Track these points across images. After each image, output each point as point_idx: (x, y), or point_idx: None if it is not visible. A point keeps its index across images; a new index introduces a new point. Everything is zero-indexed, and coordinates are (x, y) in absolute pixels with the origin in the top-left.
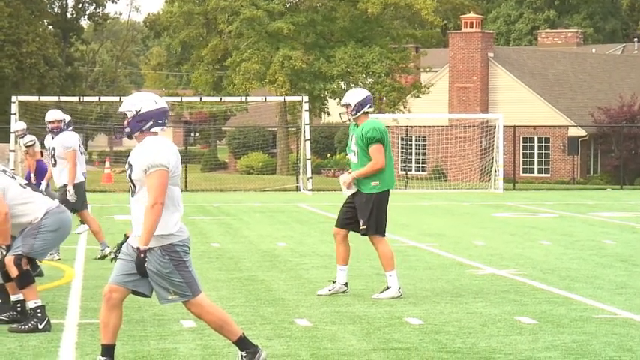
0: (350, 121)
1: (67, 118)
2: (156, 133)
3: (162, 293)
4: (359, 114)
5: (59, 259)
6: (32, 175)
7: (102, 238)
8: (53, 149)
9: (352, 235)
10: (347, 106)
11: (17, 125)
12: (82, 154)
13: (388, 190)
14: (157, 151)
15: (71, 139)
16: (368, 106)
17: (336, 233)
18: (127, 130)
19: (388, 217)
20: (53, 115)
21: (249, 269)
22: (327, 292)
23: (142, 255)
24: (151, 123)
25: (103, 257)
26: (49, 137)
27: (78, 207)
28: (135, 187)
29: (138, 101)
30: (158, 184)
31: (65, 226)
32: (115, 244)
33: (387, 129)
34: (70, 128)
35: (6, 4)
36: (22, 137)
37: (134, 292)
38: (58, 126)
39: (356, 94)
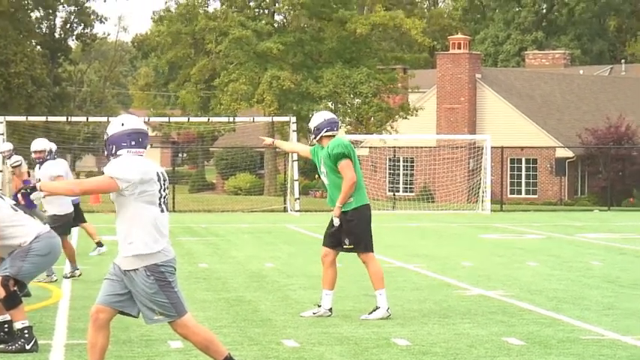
0: (311, 144)
1: (53, 147)
2: (138, 154)
3: (148, 314)
4: (317, 137)
5: (56, 280)
6: (19, 196)
7: (74, 261)
8: (39, 180)
9: (342, 255)
10: (308, 130)
11: (4, 146)
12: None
13: (367, 206)
14: (116, 164)
15: (56, 166)
16: (325, 130)
17: (325, 255)
18: (105, 153)
19: (376, 238)
20: (35, 145)
21: (237, 290)
22: (310, 315)
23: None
24: (114, 147)
25: (72, 276)
26: (37, 168)
27: (61, 232)
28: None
29: (109, 126)
30: (97, 181)
31: (55, 251)
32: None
33: (375, 149)
34: (54, 157)
35: None
36: (9, 157)
37: (122, 313)
38: (40, 156)
39: (314, 119)
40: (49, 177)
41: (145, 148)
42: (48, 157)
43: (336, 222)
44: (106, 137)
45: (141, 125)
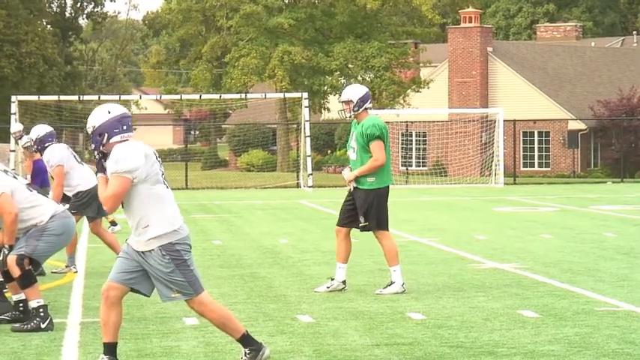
0: (350, 117)
1: (41, 133)
2: (124, 141)
3: (165, 292)
4: (360, 110)
5: (76, 272)
6: (28, 176)
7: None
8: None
9: (355, 230)
10: (348, 102)
11: (14, 127)
12: (80, 163)
13: (387, 186)
14: (120, 157)
15: (53, 153)
16: (369, 102)
17: (338, 231)
18: (92, 146)
19: (389, 212)
20: (25, 139)
21: (251, 266)
22: (324, 290)
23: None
24: (106, 135)
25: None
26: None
27: (90, 213)
28: None
29: (93, 118)
30: (116, 185)
31: (69, 231)
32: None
33: (387, 124)
34: (50, 141)
35: (3, 4)
36: (20, 138)
37: (133, 290)
38: (31, 145)
39: (358, 91)
40: (49, 166)
41: (132, 131)
42: (37, 147)
43: (346, 174)
44: (92, 129)
45: (126, 110)
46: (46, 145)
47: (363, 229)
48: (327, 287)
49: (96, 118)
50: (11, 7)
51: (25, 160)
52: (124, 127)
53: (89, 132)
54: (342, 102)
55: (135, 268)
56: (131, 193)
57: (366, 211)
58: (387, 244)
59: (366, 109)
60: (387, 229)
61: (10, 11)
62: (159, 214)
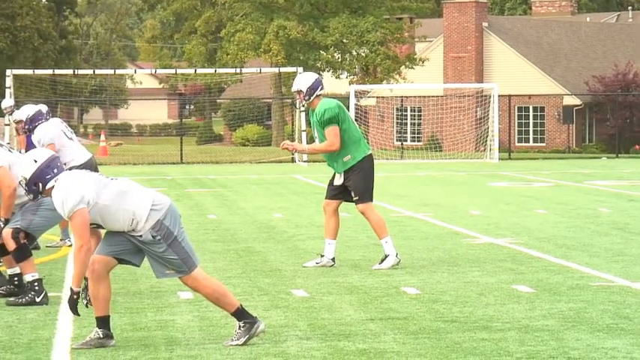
0: (304, 106)
1: (31, 112)
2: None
3: (159, 269)
4: (312, 98)
5: (70, 245)
6: (22, 151)
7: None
8: None
9: (350, 206)
10: (299, 92)
11: (5, 102)
12: (70, 139)
13: (366, 157)
14: (63, 198)
15: (44, 132)
16: (319, 88)
17: (326, 205)
18: (31, 196)
19: (384, 187)
20: (15, 115)
21: (246, 241)
22: (313, 265)
23: (75, 296)
24: (41, 184)
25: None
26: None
27: None
28: None
29: (23, 169)
30: (79, 224)
31: None
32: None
33: (382, 99)
34: (47, 117)
35: None
36: (11, 114)
37: (123, 262)
38: (22, 126)
39: (307, 80)
40: (40, 146)
41: (63, 170)
42: (29, 126)
43: (298, 144)
44: (24, 182)
45: (51, 153)
46: (36, 124)
47: (356, 202)
48: (317, 263)
49: (25, 170)
50: None
51: (17, 135)
52: (55, 170)
53: (22, 184)
54: (294, 92)
55: (122, 242)
56: (103, 210)
57: (352, 185)
58: (374, 217)
59: (318, 96)
60: (372, 200)
61: None
62: (131, 203)
